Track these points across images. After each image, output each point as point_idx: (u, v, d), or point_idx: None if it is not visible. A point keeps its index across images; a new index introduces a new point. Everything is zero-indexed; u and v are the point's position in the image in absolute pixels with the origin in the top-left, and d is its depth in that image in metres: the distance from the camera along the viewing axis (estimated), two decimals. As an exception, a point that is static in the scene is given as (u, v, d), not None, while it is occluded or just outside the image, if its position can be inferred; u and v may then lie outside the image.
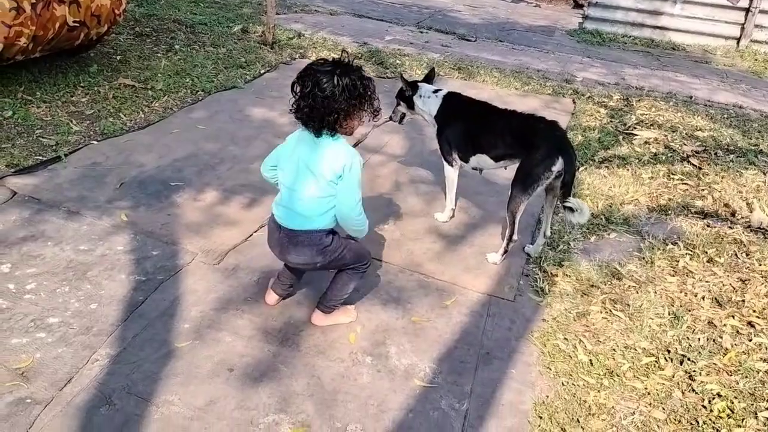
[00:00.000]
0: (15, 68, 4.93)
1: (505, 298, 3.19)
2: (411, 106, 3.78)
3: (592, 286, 3.33)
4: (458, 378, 2.61)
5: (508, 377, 2.65)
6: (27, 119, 4.40)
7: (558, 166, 3.14)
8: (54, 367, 2.40)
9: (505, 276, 3.38)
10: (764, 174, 4.97)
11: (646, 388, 2.64)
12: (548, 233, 3.62)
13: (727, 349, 2.92)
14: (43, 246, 3.11)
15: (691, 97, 7.22)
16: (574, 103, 6.52)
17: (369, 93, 2.41)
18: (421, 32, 9.27)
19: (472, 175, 4.41)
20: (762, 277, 3.54)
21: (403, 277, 3.27)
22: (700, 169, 4.99)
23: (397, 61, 7.23)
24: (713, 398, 2.61)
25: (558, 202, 3.35)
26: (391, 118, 4.04)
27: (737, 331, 3.07)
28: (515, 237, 3.44)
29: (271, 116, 5.13)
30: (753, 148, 5.57)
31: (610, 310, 3.13)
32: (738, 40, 10.39)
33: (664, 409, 2.55)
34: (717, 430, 2.46)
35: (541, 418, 2.44)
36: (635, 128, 5.82)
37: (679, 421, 2.49)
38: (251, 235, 3.46)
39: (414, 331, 2.87)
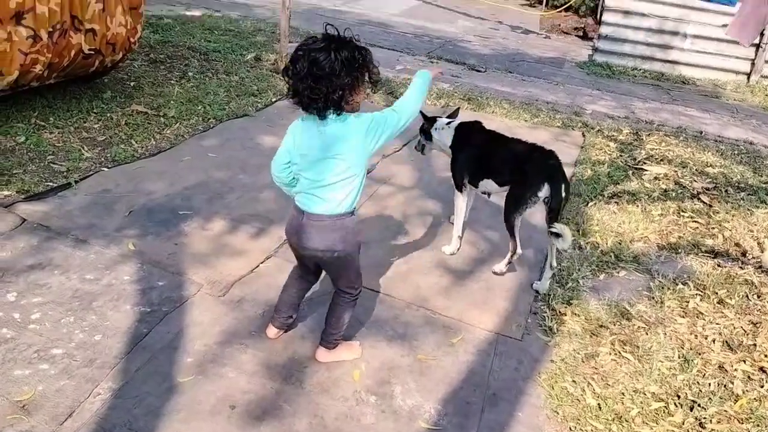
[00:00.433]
0: (29, 94, 4.99)
1: (512, 336, 3.15)
2: (429, 138, 3.95)
3: (601, 326, 3.29)
4: (464, 420, 2.57)
5: (516, 421, 2.61)
6: (39, 145, 4.44)
7: (544, 192, 3.40)
8: (55, 401, 2.38)
9: (512, 313, 3.34)
10: (775, 213, 4.94)
11: (655, 435, 2.59)
12: (554, 264, 3.62)
13: (738, 395, 2.87)
14: (50, 274, 3.11)
15: (701, 132, 7.22)
16: (584, 136, 6.52)
17: (369, 62, 2.34)
18: (432, 62, 9.33)
19: (482, 209, 4.41)
20: (774, 320, 3.50)
21: (409, 312, 3.25)
22: (710, 206, 4.95)
23: (408, 91, 7.26)
24: (724, 447, 2.56)
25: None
26: (415, 148, 4.19)
27: (749, 377, 3.02)
28: (519, 250, 3.61)
29: (281, 145, 5.15)
30: (764, 185, 5.54)
31: (619, 352, 3.09)
32: (748, 75, 10.41)
33: (673, 457, 2.50)
34: (728, 480, 2.40)
35: (547, 464, 2.39)
36: (645, 163, 5.80)
37: (689, 471, 2.44)
38: (257, 266, 3.45)
39: (420, 370, 2.83)
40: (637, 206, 4.80)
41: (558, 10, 16.19)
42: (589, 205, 4.73)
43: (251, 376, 2.65)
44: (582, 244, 4.15)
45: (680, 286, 3.77)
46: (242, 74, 6.89)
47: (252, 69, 7.16)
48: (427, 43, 10.82)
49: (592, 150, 6.07)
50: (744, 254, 4.27)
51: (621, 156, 5.97)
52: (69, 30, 4.60)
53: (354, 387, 2.67)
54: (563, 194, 3.41)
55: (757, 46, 10.19)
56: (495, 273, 3.69)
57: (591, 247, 4.11)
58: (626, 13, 10.64)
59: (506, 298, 3.48)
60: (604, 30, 10.93)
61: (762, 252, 4.28)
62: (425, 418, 2.56)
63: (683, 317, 3.48)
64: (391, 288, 3.43)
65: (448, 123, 3.85)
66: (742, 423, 2.70)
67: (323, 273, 2.84)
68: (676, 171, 5.66)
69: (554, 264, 3.62)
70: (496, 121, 6.54)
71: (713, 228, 4.62)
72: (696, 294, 3.70)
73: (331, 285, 2.73)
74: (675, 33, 10.51)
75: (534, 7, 17.43)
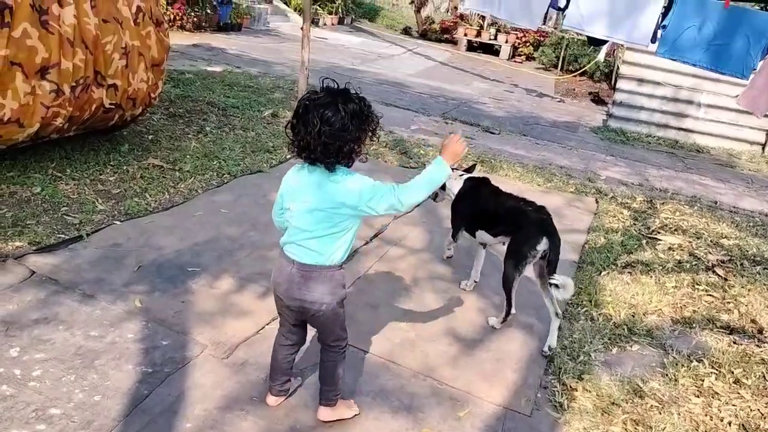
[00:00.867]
0: (48, 145, 5.07)
1: (521, 412, 3.06)
2: (443, 186, 4.01)
3: (613, 403, 3.19)
4: (468, 502, 2.47)
5: (522, 504, 2.50)
6: (54, 196, 4.48)
7: (543, 245, 3.53)
8: (49, 465, 2.32)
9: (522, 387, 3.25)
10: (793, 288, 4.85)
11: None
12: (559, 312, 3.65)
13: (756, 484, 2.75)
14: (54, 330, 3.08)
15: (716, 202, 7.18)
16: (597, 202, 6.50)
17: (372, 113, 2.38)
18: (447, 123, 9.44)
19: (491, 274, 4.37)
20: (793, 403, 3.38)
21: (415, 382, 3.17)
22: (725, 280, 4.87)
23: (421, 152, 7.33)
24: None
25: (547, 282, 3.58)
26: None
27: (767, 465, 2.90)
28: (513, 311, 3.75)
29: (294, 203, 5.17)
30: (780, 259, 5.46)
31: (632, 433, 2.98)
32: (763, 146, 10.43)
33: None
34: None
35: None
36: (659, 233, 5.75)
37: None
38: (263, 328, 3.41)
39: (424, 445, 2.75)
40: (651, 277, 4.73)
41: (573, 74, 16.48)
42: (602, 274, 4.67)
43: (251, 445, 2.58)
44: (594, 315, 4.07)
45: (695, 363, 3.67)
46: (259, 130, 6.99)
47: (269, 125, 7.27)
48: (443, 104, 10.97)
49: (606, 217, 6.04)
50: (761, 331, 4.17)
51: (635, 224, 5.93)
52: (91, 85, 4.71)
53: (356, 461, 2.59)
54: (558, 248, 3.54)
55: (772, 117, 10.23)
56: (492, 326, 3.80)
57: (604, 319, 4.04)
58: (640, 80, 10.77)
59: (516, 370, 3.40)
60: (618, 96, 11.05)
61: (779, 330, 4.18)
62: (428, 498, 2.46)
63: (698, 396, 3.37)
64: (398, 355, 3.36)
65: (460, 175, 4.11)
66: None
67: (308, 335, 2.81)
68: (690, 242, 5.60)
69: (559, 312, 3.64)
70: (509, 184, 6.53)
71: (728, 302, 4.53)
72: (711, 372, 3.60)
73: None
74: (689, 102, 10.60)
75: (549, 71, 17.75)
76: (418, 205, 2.40)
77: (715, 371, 3.61)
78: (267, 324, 3.44)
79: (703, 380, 3.51)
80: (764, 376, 3.62)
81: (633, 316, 4.12)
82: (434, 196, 4.18)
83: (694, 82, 10.45)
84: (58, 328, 3.10)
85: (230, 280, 3.85)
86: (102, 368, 2.88)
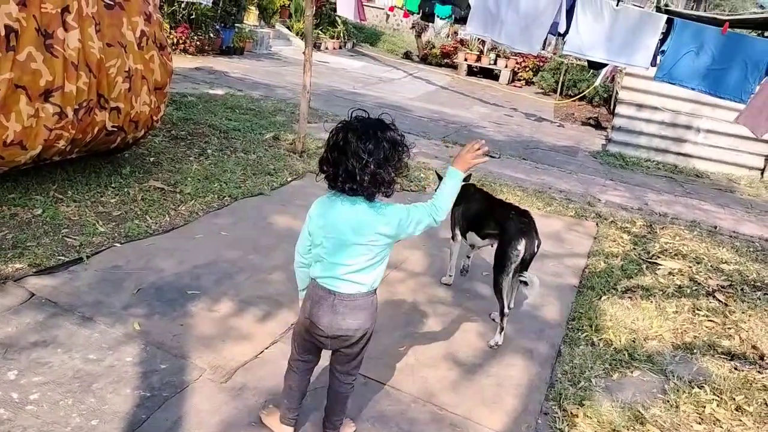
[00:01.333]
0: (50, 166, 5.09)
1: (521, 438, 3.04)
2: None
3: (614, 430, 3.17)
4: None
5: None
6: (55, 218, 4.49)
7: (521, 247, 3.78)
8: (44, 491, 2.29)
9: (522, 413, 3.23)
10: (794, 314, 4.83)
11: None
12: (511, 306, 3.99)
13: None
14: (52, 353, 3.07)
15: (715, 227, 7.19)
16: (597, 226, 6.51)
17: (405, 142, 2.38)
18: (447, 146, 9.48)
19: (494, 300, 4.36)
20: (795, 431, 3.35)
21: (415, 408, 3.15)
22: (726, 305, 4.86)
23: (422, 175, 7.35)
24: None
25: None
26: None
27: (771, 494, 2.86)
28: (506, 311, 3.87)
29: (295, 225, 5.16)
30: (781, 285, 5.45)
31: (633, 460, 2.95)
32: (762, 171, 10.47)
33: None
34: None
35: None
36: (659, 257, 5.75)
37: None
38: (262, 352, 3.39)
39: (424, 472, 2.72)
40: (651, 302, 4.72)
41: (572, 99, 16.59)
42: (603, 299, 4.66)
43: (248, 471, 2.55)
44: (595, 340, 4.06)
45: (696, 389, 3.65)
46: (260, 153, 7.03)
47: (270, 148, 7.30)
48: (443, 128, 11.03)
49: (606, 241, 6.05)
50: (762, 357, 4.15)
51: (635, 249, 5.94)
52: (94, 108, 4.74)
53: (355, 488, 2.56)
54: (536, 249, 3.88)
55: (771, 143, 10.30)
56: (491, 346, 3.84)
57: (604, 344, 4.02)
58: (639, 106, 10.84)
59: (516, 396, 3.38)
60: (617, 122, 11.11)
61: (781, 356, 4.16)
62: None
63: (699, 423, 3.34)
64: (398, 380, 3.34)
65: None
66: None
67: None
68: (690, 267, 5.60)
69: (511, 306, 3.97)
70: (509, 209, 6.55)
71: (729, 328, 4.52)
72: (713, 399, 3.58)
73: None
74: (688, 127, 10.66)
75: (548, 95, 17.86)
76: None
77: (717, 398, 3.59)
78: (266, 348, 3.42)
79: (705, 407, 3.48)
80: (766, 403, 3.60)
81: (634, 342, 4.11)
82: None
83: (693, 107, 10.52)
84: (56, 351, 3.09)
85: (230, 303, 3.84)
86: (100, 392, 2.86)
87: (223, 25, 14.41)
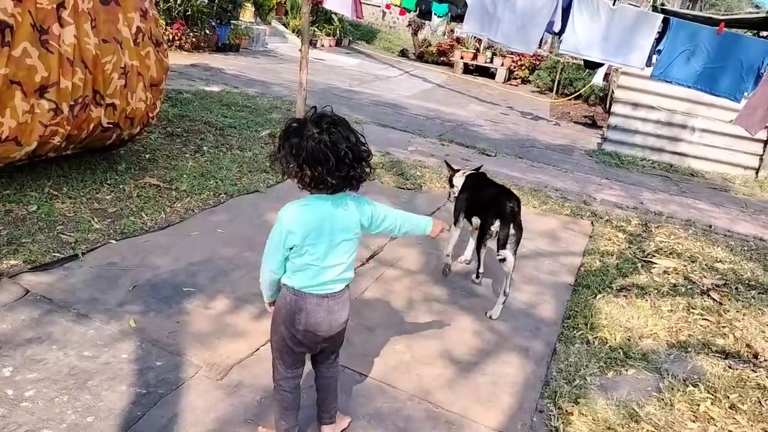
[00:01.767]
0: (45, 163, 5.07)
1: (516, 436, 3.04)
2: (452, 185, 4.83)
3: (609, 428, 3.18)
4: None
5: None
6: (50, 214, 4.47)
7: (495, 226, 4.17)
8: (39, 488, 2.29)
9: (518, 411, 3.24)
10: (787, 313, 4.85)
11: None
12: (507, 292, 4.22)
13: None
14: (47, 350, 3.06)
15: (710, 226, 7.21)
16: (593, 225, 6.52)
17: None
18: (443, 145, 9.49)
19: (490, 297, 4.38)
20: (789, 429, 3.37)
21: (411, 405, 3.15)
22: (720, 304, 4.88)
23: (418, 173, 7.36)
24: None
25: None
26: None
27: (764, 492, 2.88)
28: (481, 270, 4.57)
29: (290, 223, 5.17)
30: (775, 284, 5.48)
31: (628, 458, 2.96)
32: (757, 170, 10.51)
33: None
34: None
35: None
36: (654, 256, 5.77)
37: None
38: (258, 349, 3.38)
39: (419, 469, 2.72)
40: (646, 301, 4.74)
41: (568, 98, 16.62)
42: (598, 297, 4.68)
43: (244, 468, 2.55)
44: (590, 338, 4.07)
45: (690, 387, 3.66)
46: (256, 150, 7.01)
47: (266, 145, 7.29)
48: (439, 126, 11.04)
49: (601, 240, 6.06)
50: (756, 356, 4.17)
51: (630, 247, 5.95)
52: (90, 104, 4.73)
53: (350, 485, 2.56)
54: (512, 230, 4.17)
55: (765, 143, 10.34)
56: (491, 317, 4.18)
57: (599, 343, 4.03)
58: (635, 105, 10.87)
59: (512, 394, 3.38)
60: (613, 120, 11.14)
61: (775, 355, 4.18)
62: None
63: (694, 422, 3.36)
64: (394, 378, 3.34)
65: (463, 173, 4.80)
66: None
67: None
68: (685, 265, 5.61)
69: (507, 291, 4.21)
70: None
71: (724, 327, 4.53)
72: (707, 397, 3.59)
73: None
74: (683, 126, 10.70)
75: (544, 94, 17.90)
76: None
77: (711, 396, 3.60)
78: (262, 345, 3.41)
79: (699, 405, 3.49)
80: (760, 402, 3.61)
81: (629, 340, 4.12)
82: (448, 196, 5.04)
83: (688, 106, 10.55)
84: (51, 348, 3.08)
85: (225, 300, 3.84)
86: (95, 389, 2.86)
87: (219, 21, 14.38)
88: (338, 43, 20.96)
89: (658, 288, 5.01)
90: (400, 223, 2.61)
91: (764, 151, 10.41)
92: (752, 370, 3.96)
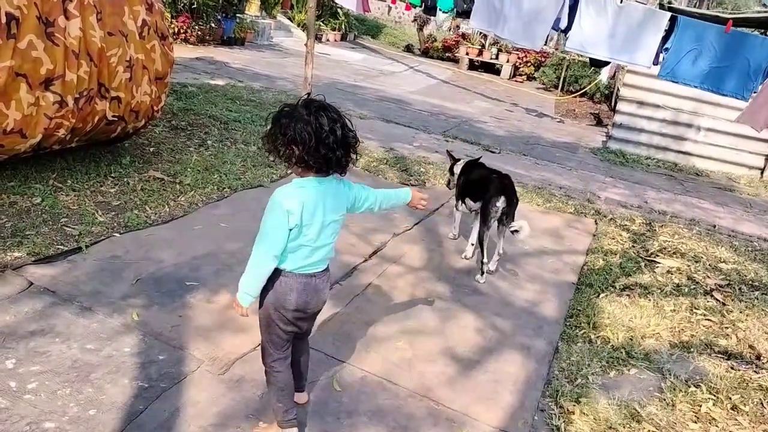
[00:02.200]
0: (49, 155, 5.07)
1: (517, 434, 3.04)
2: (452, 173, 5.27)
3: (611, 428, 3.18)
4: None
5: None
6: (55, 207, 4.48)
7: (500, 203, 4.60)
8: (42, 480, 2.30)
9: (519, 409, 3.24)
10: (791, 314, 4.84)
11: None
12: (501, 252, 4.86)
13: None
14: (50, 342, 3.07)
15: (714, 226, 7.19)
16: (596, 224, 6.51)
17: None
18: (447, 141, 9.47)
19: (491, 295, 4.37)
20: (790, 431, 3.37)
21: (412, 402, 3.15)
22: (724, 305, 4.87)
23: (422, 169, 7.34)
24: None
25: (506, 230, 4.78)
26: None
27: (765, 493, 2.88)
28: (485, 260, 4.67)
29: (294, 218, 5.16)
30: (779, 285, 5.46)
31: (629, 458, 2.96)
32: (762, 170, 10.47)
33: None
34: None
35: None
36: (658, 255, 5.76)
37: None
38: (260, 344, 3.38)
39: (420, 466, 2.73)
40: (649, 300, 4.73)
41: (573, 95, 16.57)
42: (601, 296, 4.67)
43: (245, 463, 2.56)
44: (593, 337, 4.06)
45: (692, 388, 3.66)
46: (260, 144, 6.99)
47: (270, 140, 7.27)
48: (443, 122, 11.01)
49: (605, 239, 6.05)
50: (758, 357, 4.16)
51: (633, 247, 5.94)
52: (95, 97, 4.72)
53: (351, 482, 2.57)
54: (514, 203, 4.68)
55: (771, 142, 10.30)
56: (477, 281, 4.63)
57: (602, 342, 4.03)
58: (640, 103, 10.83)
59: (513, 392, 3.38)
60: (618, 118, 11.10)
61: (777, 356, 4.17)
62: None
63: (695, 422, 3.35)
64: (395, 375, 3.34)
65: (464, 161, 5.22)
66: None
67: None
68: (689, 265, 5.60)
69: (501, 252, 4.87)
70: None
71: (726, 327, 4.53)
72: (709, 398, 3.59)
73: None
74: (689, 125, 10.65)
75: (549, 91, 17.85)
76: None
77: (713, 397, 3.60)
78: (264, 340, 3.42)
79: (701, 406, 3.49)
80: (762, 403, 3.61)
81: (631, 340, 4.12)
82: (447, 183, 5.47)
83: (694, 105, 10.51)
84: (54, 341, 3.09)
85: (228, 294, 3.83)
86: (98, 382, 2.86)
87: (224, 15, 14.36)
88: (343, 38, 20.92)
89: (662, 288, 5.00)
90: (381, 200, 2.74)
91: (770, 150, 10.37)
92: (755, 372, 3.95)
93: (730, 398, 3.59)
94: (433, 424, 3.01)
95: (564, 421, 3.16)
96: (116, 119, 5.04)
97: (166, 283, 3.83)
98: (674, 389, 3.61)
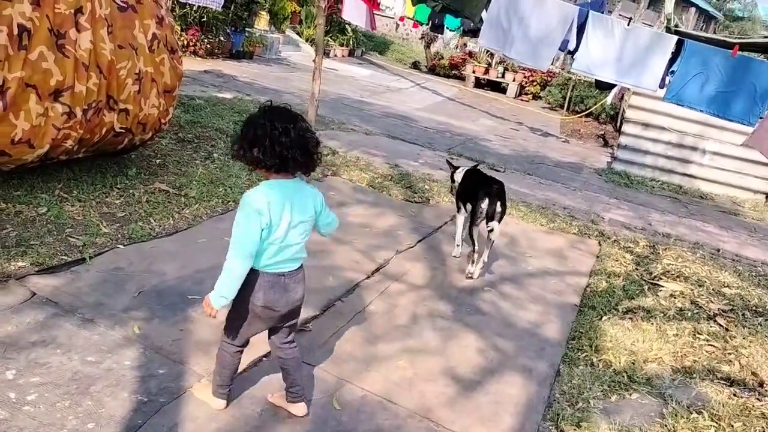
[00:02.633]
0: (56, 165, 5.09)
1: (517, 458, 3.02)
2: (453, 180, 5.61)
3: (611, 453, 3.15)
4: None
5: None
6: (60, 217, 4.50)
7: (484, 205, 4.91)
8: (38, 494, 2.28)
9: (519, 432, 3.22)
10: (794, 342, 4.81)
11: None
12: (486, 252, 5.10)
13: None
14: (51, 353, 3.07)
15: (718, 250, 7.17)
16: (600, 245, 6.50)
17: None
18: (452, 158, 9.48)
19: (494, 314, 4.36)
20: (793, 461, 3.33)
21: (411, 423, 3.14)
22: (727, 330, 4.84)
23: (426, 186, 7.35)
24: None
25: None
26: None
27: None
28: (477, 248, 5.02)
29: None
30: (783, 311, 5.43)
31: (629, 485, 2.94)
32: (767, 195, 10.44)
33: None
34: None
35: None
36: (661, 279, 5.74)
37: None
38: (260, 360, 3.38)
39: (418, 488, 2.71)
40: (652, 324, 4.70)
41: (578, 115, 16.61)
42: (603, 319, 4.65)
43: (243, 481, 2.55)
44: (594, 361, 4.04)
45: (694, 414, 3.63)
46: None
47: (276, 154, 7.29)
48: (449, 140, 11.04)
49: (608, 261, 6.03)
50: (761, 384, 4.13)
51: (637, 269, 5.92)
52: (103, 108, 4.76)
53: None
54: (498, 208, 4.95)
55: (776, 167, 10.29)
56: (468, 276, 5.02)
57: (604, 365, 4.01)
58: (645, 125, 10.85)
59: (514, 415, 3.36)
60: (623, 140, 11.12)
61: (780, 384, 4.14)
62: None
63: (697, 450, 3.33)
64: (395, 394, 3.33)
65: (463, 169, 5.55)
66: None
67: None
68: (692, 289, 5.58)
69: (486, 252, 5.08)
70: (511, 224, 6.53)
71: (729, 353, 4.50)
72: (710, 425, 3.56)
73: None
74: (694, 148, 10.67)
75: (555, 110, 17.89)
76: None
77: (715, 424, 3.57)
78: (264, 356, 3.41)
79: (703, 433, 3.47)
80: (765, 431, 3.58)
81: (633, 364, 4.09)
82: (450, 189, 5.84)
83: (700, 128, 10.52)
84: (55, 352, 3.09)
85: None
86: (97, 395, 2.86)
87: (233, 29, 14.47)
88: (351, 53, 21.05)
89: (665, 311, 4.98)
90: (330, 221, 2.86)
91: (775, 175, 10.36)
92: (757, 399, 3.92)
93: (732, 426, 3.57)
94: (432, 446, 2.99)
95: (564, 446, 3.14)
96: (124, 131, 5.07)
97: (168, 296, 3.83)
98: (676, 415, 3.59)
